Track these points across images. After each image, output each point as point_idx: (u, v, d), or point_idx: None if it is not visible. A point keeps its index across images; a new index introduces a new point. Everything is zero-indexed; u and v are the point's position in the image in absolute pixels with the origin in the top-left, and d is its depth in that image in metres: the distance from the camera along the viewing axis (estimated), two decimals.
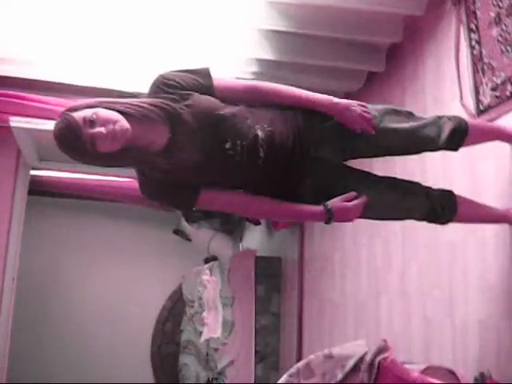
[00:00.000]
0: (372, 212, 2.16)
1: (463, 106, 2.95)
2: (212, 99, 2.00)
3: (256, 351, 5.11)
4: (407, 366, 2.32)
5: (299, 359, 4.75)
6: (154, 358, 6.46)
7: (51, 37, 3.37)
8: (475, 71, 2.91)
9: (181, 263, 6.36)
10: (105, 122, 1.76)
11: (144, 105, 1.89)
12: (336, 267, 4.29)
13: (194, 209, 2.04)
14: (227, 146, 1.93)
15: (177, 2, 3.23)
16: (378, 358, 2.17)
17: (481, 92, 2.86)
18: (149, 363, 6.47)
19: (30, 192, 4.65)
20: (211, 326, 5.55)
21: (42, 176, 5.14)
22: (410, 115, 2.25)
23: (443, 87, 3.13)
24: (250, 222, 6.00)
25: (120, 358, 6.22)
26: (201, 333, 5.70)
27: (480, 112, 2.85)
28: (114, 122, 1.77)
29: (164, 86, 1.95)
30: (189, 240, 6.43)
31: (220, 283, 5.49)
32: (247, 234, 6.33)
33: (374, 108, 2.17)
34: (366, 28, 3.42)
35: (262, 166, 1.97)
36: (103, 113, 1.79)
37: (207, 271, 5.77)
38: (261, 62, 3.54)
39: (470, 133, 2.25)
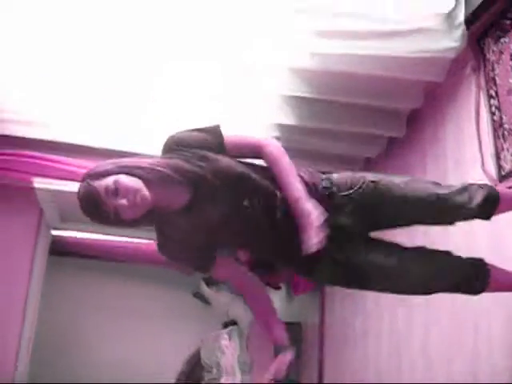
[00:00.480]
0: (397, 284, 2.16)
1: (484, 171, 2.94)
2: (230, 160, 2.00)
3: None
4: None
5: None
6: None
7: (70, 99, 3.48)
8: (496, 137, 2.91)
9: (199, 326, 6.27)
10: (126, 193, 1.79)
11: (160, 168, 1.89)
12: (357, 333, 4.21)
13: (209, 274, 2.04)
14: (246, 203, 1.94)
15: (197, 66, 3.30)
16: None
17: (502, 158, 2.86)
18: None
19: (51, 252, 4.67)
20: None
21: (63, 236, 5.17)
22: (436, 184, 2.23)
23: (464, 151, 3.13)
24: (269, 286, 5.94)
25: None
26: None
27: (502, 177, 2.84)
28: (135, 192, 1.80)
29: (176, 145, 1.96)
30: (208, 303, 6.37)
31: (238, 349, 5.41)
32: None
33: (397, 177, 2.17)
34: (386, 94, 3.46)
35: (278, 227, 1.96)
36: (124, 181, 1.82)
37: (226, 336, 5.68)
38: (282, 127, 3.58)
39: (500, 201, 2.22)
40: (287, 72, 3.34)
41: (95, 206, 1.81)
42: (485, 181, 2.92)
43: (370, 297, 3.99)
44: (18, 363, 4.05)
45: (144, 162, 1.91)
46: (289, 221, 1.95)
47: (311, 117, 3.55)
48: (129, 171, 1.85)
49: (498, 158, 2.89)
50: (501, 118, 2.89)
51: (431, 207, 2.15)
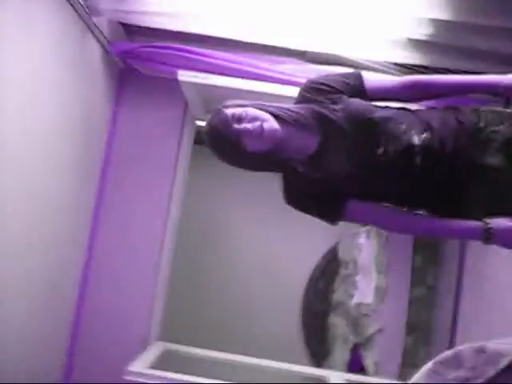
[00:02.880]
0: None
1: None
2: (363, 102, 1.88)
3: (407, 322, 4.96)
4: None
5: (452, 339, 4.55)
6: (303, 314, 6.50)
7: None
8: None
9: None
10: (252, 120, 1.74)
11: (296, 110, 1.84)
12: None
13: (338, 221, 1.90)
14: (379, 151, 1.79)
15: None
16: None
17: None
18: (298, 318, 6.53)
19: (196, 141, 4.79)
20: (363, 290, 5.46)
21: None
22: None
23: None
24: None
25: (271, 310, 6.33)
26: (352, 296, 5.64)
27: None
28: (262, 121, 1.75)
29: (313, 91, 1.89)
30: None
31: (376, 249, 5.38)
32: None
33: None
34: None
35: (416, 175, 1.79)
36: (251, 110, 1.78)
37: (364, 234, 5.66)
38: (434, 22, 3.28)
39: None
40: None
41: (219, 132, 1.75)
42: None
43: None
44: (164, 245, 4.30)
45: (279, 105, 1.86)
46: (430, 165, 1.80)
47: (468, 10, 3.17)
48: (261, 107, 1.81)
49: None
50: None
51: None
